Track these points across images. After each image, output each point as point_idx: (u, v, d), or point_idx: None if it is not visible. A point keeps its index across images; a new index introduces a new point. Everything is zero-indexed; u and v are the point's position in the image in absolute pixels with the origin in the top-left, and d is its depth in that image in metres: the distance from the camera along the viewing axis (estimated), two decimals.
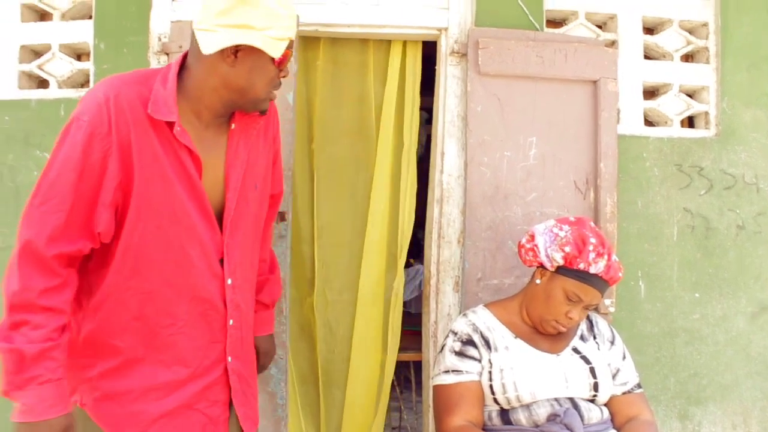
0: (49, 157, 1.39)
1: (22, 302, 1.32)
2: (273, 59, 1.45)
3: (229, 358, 1.56)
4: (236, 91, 1.46)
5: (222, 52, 1.41)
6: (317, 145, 2.73)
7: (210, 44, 1.40)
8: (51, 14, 2.51)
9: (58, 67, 2.49)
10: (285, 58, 1.47)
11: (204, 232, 1.49)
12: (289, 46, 1.47)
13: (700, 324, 2.54)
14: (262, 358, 1.85)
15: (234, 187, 1.53)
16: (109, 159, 1.37)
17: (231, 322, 1.55)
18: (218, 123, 1.53)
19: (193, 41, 1.45)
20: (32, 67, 2.49)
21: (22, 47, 2.49)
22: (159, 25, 2.39)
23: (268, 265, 1.85)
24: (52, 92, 2.47)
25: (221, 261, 1.53)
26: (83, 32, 2.45)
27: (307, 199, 2.75)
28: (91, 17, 2.45)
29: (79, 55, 2.54)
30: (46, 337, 1.32)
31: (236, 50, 1.41)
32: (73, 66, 2.47)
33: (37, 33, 2.49)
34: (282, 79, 1.52)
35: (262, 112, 1.55)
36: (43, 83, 2.54)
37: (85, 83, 2.50)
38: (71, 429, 1.36)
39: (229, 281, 1.53)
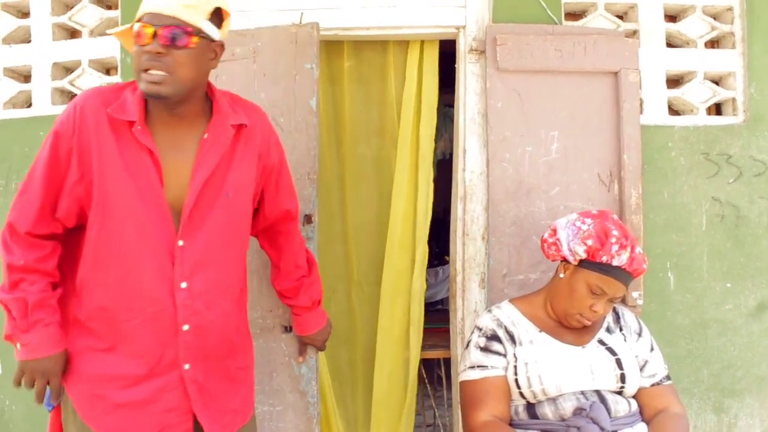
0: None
1: (19, 267, 1.52)
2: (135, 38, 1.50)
3: (186, 366, 1.55)
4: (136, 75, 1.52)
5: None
6: (347, 147, 2.77)
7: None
8: (80, 32, 2.60)
9: (88, 82, 2.57)
10: (139, 34, 1.48)
11: (155, 231, 1.52)
12: (146, 21, 1.47)
13: (732, 314, 2.49)
14: (321, 347, 2.09)
15: (194, 190, 1.54)
16: (71, 157, 1.51)
17: (185, 327, 1.53)
18: (192, 132, 1.58)
19: None
20: (64, 83, 2.58)
21: (54, 65, 2.59)
22: None
23: (306, 270, 1.94)
24: None
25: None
26: (110, 47, 2.53)
27: (336, 200, 2.79)
28: None
29: (108, 70, 2.62)
30: (42, 289, 1.53)
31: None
32: (102, 80, 2.56)
33: (68, 50, 2.59)
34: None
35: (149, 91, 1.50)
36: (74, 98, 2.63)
37: None
38: (66, 364, 1.55)
39: (184, 285, 1.53)
